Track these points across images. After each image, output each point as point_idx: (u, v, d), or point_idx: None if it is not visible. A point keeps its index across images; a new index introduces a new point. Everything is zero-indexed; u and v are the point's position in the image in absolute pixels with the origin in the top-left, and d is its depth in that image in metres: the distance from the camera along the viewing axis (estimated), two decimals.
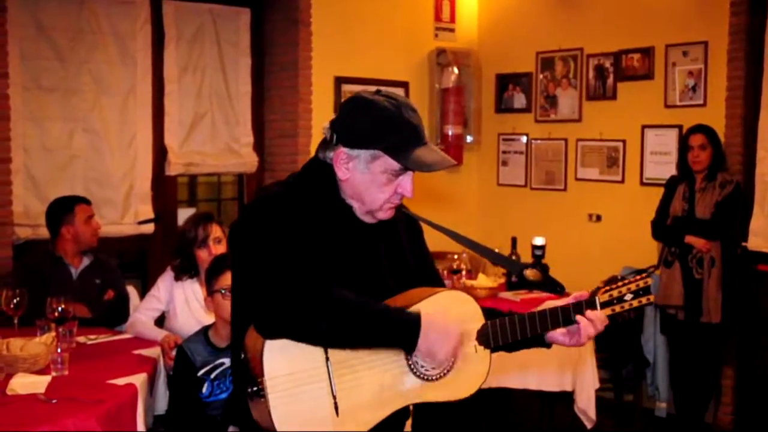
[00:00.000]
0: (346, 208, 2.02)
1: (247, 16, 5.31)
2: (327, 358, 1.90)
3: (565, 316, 2.10)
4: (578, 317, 2.09)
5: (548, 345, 2.17)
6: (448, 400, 2.04)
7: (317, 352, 1.90)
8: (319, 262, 1.92)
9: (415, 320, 1.92)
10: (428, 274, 2.21)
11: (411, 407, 2.13)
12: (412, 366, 2.00)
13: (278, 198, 1.98)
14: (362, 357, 1.93)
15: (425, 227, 2.24)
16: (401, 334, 1.92)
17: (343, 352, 1.91)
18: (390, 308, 1.95)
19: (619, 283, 2.15)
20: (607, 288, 2.15)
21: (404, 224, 2.18)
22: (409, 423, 2.18)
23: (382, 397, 1.95)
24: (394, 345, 1.95)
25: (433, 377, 2.03)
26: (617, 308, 2.13)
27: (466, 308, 2.07)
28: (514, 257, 4.59)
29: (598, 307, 2.11)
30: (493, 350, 2.12)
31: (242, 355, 1.95)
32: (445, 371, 2.03)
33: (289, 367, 1.87)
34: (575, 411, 4.15)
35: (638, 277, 2.15)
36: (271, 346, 1.86)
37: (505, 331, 2.07)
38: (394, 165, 1.95)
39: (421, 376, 2.00)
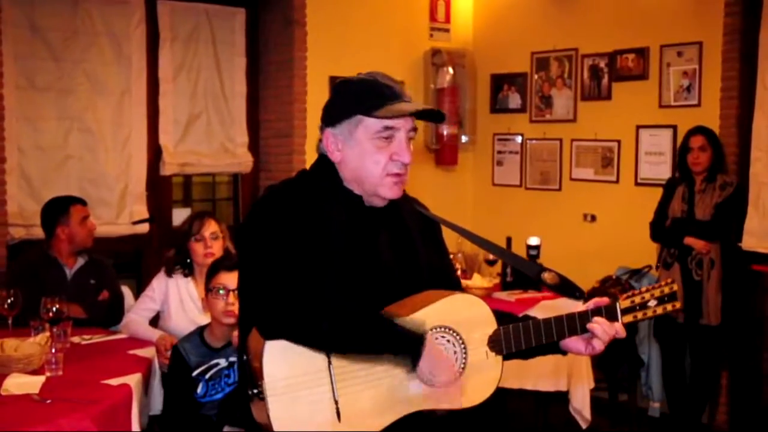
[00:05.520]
0: (352, 197, 2.00)
1: (242, 16, 5.30)
2: (329, 363, 1.85)
3: (582, 323, 2.01)
4: (591, 325, 2.01)
5: (563, 352, 2.09)
6: (456, 408, 1.97)
7: (319, 356, 1.85)
8: (319, 256, 1.89)
9: (419, 338, 1.86)
10: (443, 273, 2.14)
11: None
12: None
13: (279, 195, 1.97)
14: (366, 362, 1.88)
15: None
16: (404, 347, 1.87)
17: (345, 356, 1.87)
18: (394, 322, 1.87)
19: (642, 289, 2.07)
20: (629, 294, 2.07)
21: (417, 221, 2.12)
22: None
23: (387, 403, 1.89)
24: (398, 353, 1.88)
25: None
26: (639, 315, 2.05)
27: (477, 312, 2.01)
28: None
29: (619, 314, 2.04)
30: (507, 357, 2.04)
31: (245, 357, 1.93)
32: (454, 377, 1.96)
33: (289, 370, 1.83)
34: (570, 411, 4.16)
35: (662, 283, 2.07)
36: (271, 348, 1.83)
37: (519, 337, 2.00)
38: (375, 124, 1.93)
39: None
